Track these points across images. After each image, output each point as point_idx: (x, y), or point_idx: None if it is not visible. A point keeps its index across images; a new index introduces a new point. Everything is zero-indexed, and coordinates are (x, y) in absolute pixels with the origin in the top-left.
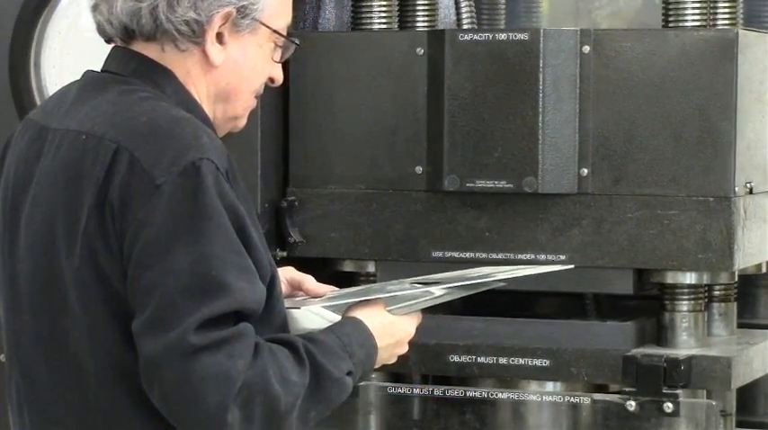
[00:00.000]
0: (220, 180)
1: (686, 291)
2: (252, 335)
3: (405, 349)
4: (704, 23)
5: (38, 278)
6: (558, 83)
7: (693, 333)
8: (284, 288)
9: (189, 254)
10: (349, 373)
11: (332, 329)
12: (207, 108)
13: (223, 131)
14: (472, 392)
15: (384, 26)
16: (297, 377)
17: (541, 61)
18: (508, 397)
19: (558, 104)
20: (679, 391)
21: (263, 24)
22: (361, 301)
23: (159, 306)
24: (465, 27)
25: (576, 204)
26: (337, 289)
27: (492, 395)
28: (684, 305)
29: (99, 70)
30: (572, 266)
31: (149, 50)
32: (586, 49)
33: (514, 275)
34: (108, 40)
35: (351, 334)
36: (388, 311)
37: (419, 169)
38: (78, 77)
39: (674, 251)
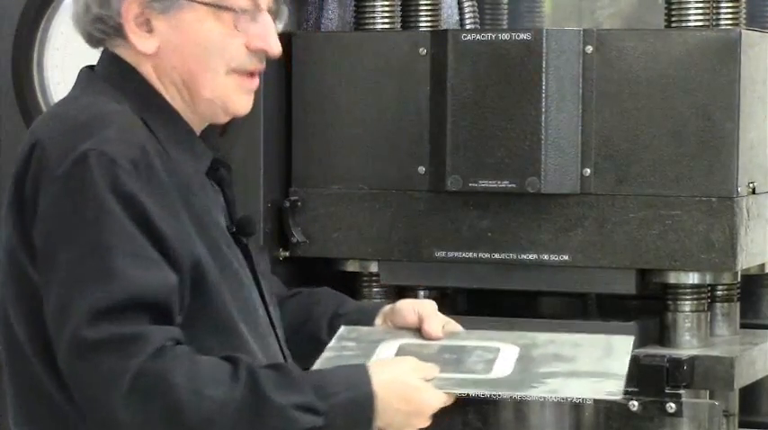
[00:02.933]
0: (114, 172)
1: (689, 291)
2: (158, 334)
3: (424, 422)
4: (707, 23)
5: None
6: (560, 83)
7: (696, 333)
8: (411, 318)
9: (77, 245)
10: (304, 408)
11: (321, 363)
12: (173, 97)
13: (213, 115)
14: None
15: (387, 26)
16: (217, 392)
17: (544, 61)
18: (511, 396)
19: (561, 104)
20: (682, 391)
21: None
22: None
23: (55, 300)
24: (468, 27)
25: (579, 204)
26: (458, 333)
27: (495, 395)
28: (687, 305)
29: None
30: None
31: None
32: (589, 49)
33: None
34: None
35: (340, 374)
36: (435, 379)
37: (422, 169)
38: None
39: (677, 251)
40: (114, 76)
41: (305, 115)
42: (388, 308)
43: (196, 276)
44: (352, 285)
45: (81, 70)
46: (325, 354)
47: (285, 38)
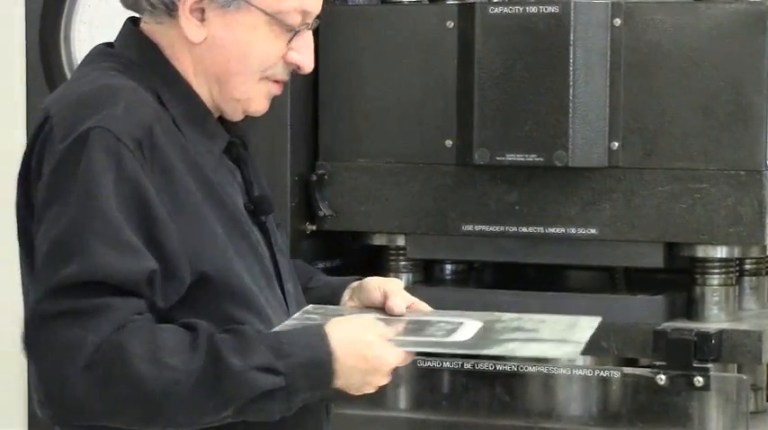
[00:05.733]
0: (116, 151)
1: (717, 264)
2: (121, 311)
3: (383, 379)
4: None
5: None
6: (588, 56)
7: (724, 307)
8: (375, 295)
9: (60, 221)
10: (263, 369)
11: (280, 328)
12: (199, 84)
13: (232, 113)
14: (502, 366)
15: None
16: (177, 361)
17: (572, 34)
18: (538, 370)
19: (589, 78)
20: (709, 365)
21: (252, 5)
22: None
23: (35, 271)
24: (495, 0)
25: (607, 178)
26: (425, 312)
27: (522, 369)
28: (715, 279)
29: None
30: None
31: (141, 22)
32: (617, 21)
33: (529, 352)
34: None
35: (296, 335)
36: (393, 340)
37: (449, 143)
38: None
39: (705, 225)
40: (133, 51)
41: (332, 89)
42: (356, 284)
43: (209, 253)
44: (378, 259)
45: (96, 46)
46: (288, 322)
47: None
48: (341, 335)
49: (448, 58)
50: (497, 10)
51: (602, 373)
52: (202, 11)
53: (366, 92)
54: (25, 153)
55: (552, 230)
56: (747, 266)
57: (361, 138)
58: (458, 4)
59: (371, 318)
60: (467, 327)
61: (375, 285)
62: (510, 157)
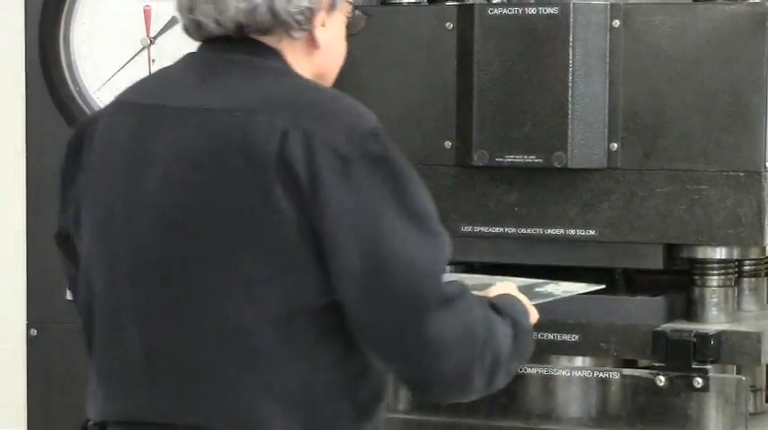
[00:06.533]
0: (392, 142)
1: (716, 266)
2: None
3: None
4: None
5: (170, 245)
6: (587, 57)
7: (723, 308)
8: None
9: (405, 212)
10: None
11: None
12: None
13: None
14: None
15: (413, 0)
16: (504, 328)
17: (571, 35)
18: (537, 371)
19: (588, 79)
20: (709, 367)
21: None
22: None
23: (401, 267)
24: (494, 1)
25: (606, 179)
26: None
27: (521, 369)
28: (714, 280)
29: (205, 53)
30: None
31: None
32: (616, 23)
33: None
34: (204, 38)
35: (509, 302)
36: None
37: (448, 144)
38: (103, 50)
39: (704, 226)
40: (282, 63)
41: None
42: None
43: None
44: None
45: (193, 54)
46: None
47: None
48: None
49: (447, 59)
50: (497, 11)
51: (601, 374)
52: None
53: (365, 93)
54: (269, 159)
55: (551, 231)
56: (746, 267)
57: None
58: (457, 5)
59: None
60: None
61: None
62: (509, 159)
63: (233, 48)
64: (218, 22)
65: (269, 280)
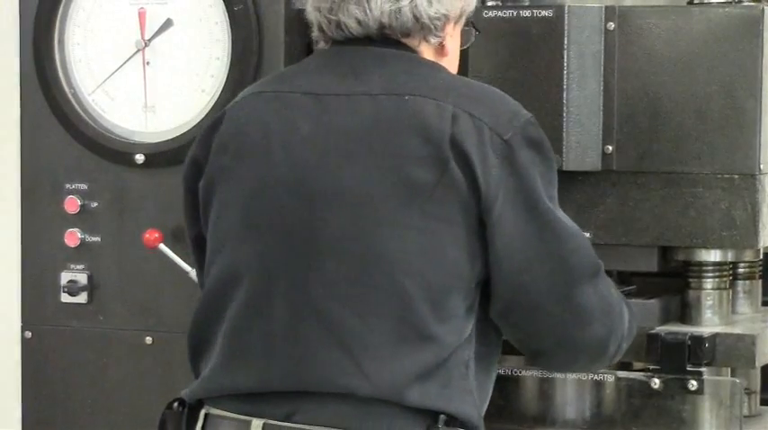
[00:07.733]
0: None
1: (711, 268)
2: None
3: None
4: (729, 0)
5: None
6: (582, 60)
7: (718, 310)
8: None
9: (550, 193)
10: None
11: None
12: None
13: None
14: (497, 370)
15: None
16: (625, 307)
17: (566, 38)
18: (532, 374)
19: (583, 81)
20: (703, 369)
21: (466, 18)
22: None
23: (566, 231)
24: (489, 3)
25: (601, 181)
26: None
27: (516, 372)
28: (709, 283)
29: (348, 49)
30: None
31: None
32: (611, 25)
33: None
34: (341, 39)
35: None
36: None
37: None
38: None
39: (699, 228)
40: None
41: None
42: None
43: None
44: None
45: (328, 50)
46: None
47: None
48: None
49: None
50: (491, 14)
51: (596, 377)
52: None
53: None
54: (443, 138)
55: None
56: (741, 270)
57: None
58: None
59: None
60: None
61: None
62: None
63: (380, 45)
64: (360, 22)
65: (434, 251)
